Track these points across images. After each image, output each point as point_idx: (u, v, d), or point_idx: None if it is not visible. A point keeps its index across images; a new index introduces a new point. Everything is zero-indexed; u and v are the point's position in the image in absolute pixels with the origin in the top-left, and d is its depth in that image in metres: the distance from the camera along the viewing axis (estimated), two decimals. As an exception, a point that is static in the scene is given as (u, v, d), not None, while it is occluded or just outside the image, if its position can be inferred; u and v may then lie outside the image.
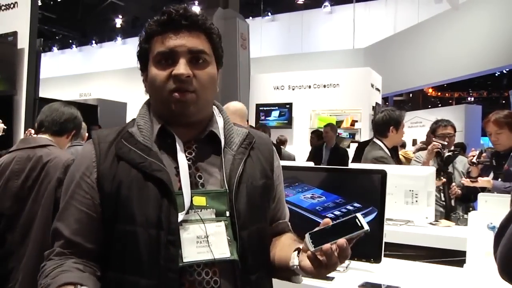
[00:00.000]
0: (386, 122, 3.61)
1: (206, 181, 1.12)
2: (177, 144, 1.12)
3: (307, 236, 1.00)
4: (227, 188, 1.10)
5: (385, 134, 3.61)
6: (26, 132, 3.54)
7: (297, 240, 1.20)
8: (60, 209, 1.13)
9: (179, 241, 1.04)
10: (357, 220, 0.95)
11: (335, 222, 0.99)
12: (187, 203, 1.06)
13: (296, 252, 1.06)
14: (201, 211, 1.08)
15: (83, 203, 1.10)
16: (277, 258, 1.17)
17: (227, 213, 1.09)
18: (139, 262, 1.03)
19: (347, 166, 4.31)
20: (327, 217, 1.08)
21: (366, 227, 0.94)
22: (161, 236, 1.03)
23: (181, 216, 1.05)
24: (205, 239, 1.06)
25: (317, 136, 7.92)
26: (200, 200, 1.09)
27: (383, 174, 1.92)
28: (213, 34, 1.16)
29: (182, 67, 1.08)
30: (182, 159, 1.11)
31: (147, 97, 1.23)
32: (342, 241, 0.95)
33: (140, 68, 1.20)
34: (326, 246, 0.95)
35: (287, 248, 1.14)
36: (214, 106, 1.24)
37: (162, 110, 1.14)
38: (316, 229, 1.00)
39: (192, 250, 1.05)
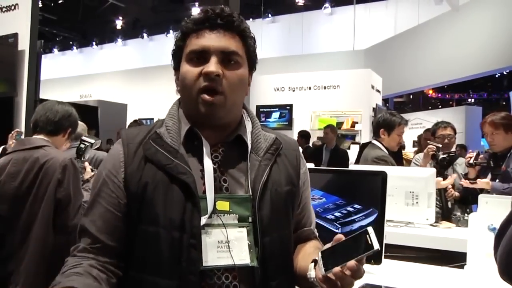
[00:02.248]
0: (378, 125, 3.64)
1: (231, 186, 1.12)
2: (204, 147, 1.13)
3: (319, 255, 0.99)
4: (251, 193, 1.11)
5: (379, 136, 3.64)
6: (13, 132, 3.46)
7: (321, 248, 1.20)
8: (88, 205, 1.15)
9: (201, 245, 1.04)
10: (368, 236, 0.93)
11: (347, 238, 0.97)
12: (210, 208, 1.07)
13: (313, 264, 1.05)
14: (223, 215, 1.09)
15: (109, 202, 1.11)
16: (298, 267, 1.17)
17: (250, 219, 1.10)
18: (161, 263, 1.04)
19: (348, 167, 4.30)
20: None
21: (377, 246, 0.92)
22: (184, 238, 1.04)
23: (203, 220, 1.05)
24: (226, 244, 1.07)
25: (301, 137, 7.91)
26: (223, 205, 1.09)
27: (383, 176, 1.92)
28: (248, 37, 1.17)
29: (213, 65, 1.08)
30: (208, 163, 1.11)
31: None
32: (352, 263, 0.93)
33: (173, 66, 1.20)
34: (336, 270, 0.94)
35: (307, 257, 1.13)
36: (243, 110, 1.24)
37: (190, 110, 1.15)
38: (328, 246, 0.99)
39: (213, 255, 1.06)
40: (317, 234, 1.33)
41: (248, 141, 1.17)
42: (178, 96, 1.22)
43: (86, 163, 2.92)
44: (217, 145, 1.16)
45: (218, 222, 1.08)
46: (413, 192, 2.90)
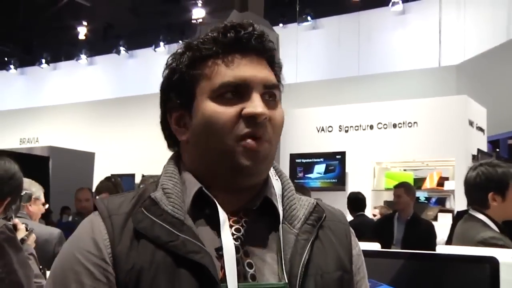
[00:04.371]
0: (481, 186, 3.49)
1: (259, 272, 1.17)
2: (220, 216, 1.18)
3: None
4: (286, 280, 1.15)
5: (484, 204, 3.51)
6: None
7: None
8: None
9: None
10: None
11: None
12: None
13: None
14: None
15: None
16: None
17: None
18: None
19: (434, 249, 4.24)
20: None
21: None
22: None
23: None
24: None
25: (352, 204, 7.80)
26: None
27: (492, 264, 1.88)
28: (276, 64, 1.29)
29: (260, 105, 1.17)
30: (227, 238, 1.16)
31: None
32: None
33: (169, 106, 1.26)
34: None
35: None
36: None
37: (214, 166, 1.21)
38: None
39: None
40: None
41: (278, 207, 1.23)
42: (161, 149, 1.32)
43: (16, 219, 2.92)
44: (238, 214, 1.22)
45: None
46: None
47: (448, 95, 11.27)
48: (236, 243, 1.17)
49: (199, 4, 15.29)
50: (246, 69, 1.19)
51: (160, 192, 1.19)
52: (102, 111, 18.23)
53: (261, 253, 1.19)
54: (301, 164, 10.01)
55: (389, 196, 8.17)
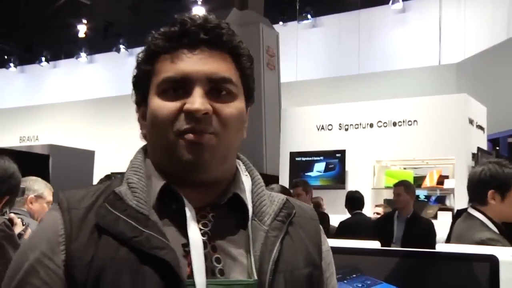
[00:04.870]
0: (483, 182, 3.48)
1: (227, 267, 1.16)
2: (186, 211, 1.17)
3: None
4: (256, 277, 1.14)
5: (483, 201, 3.50)
6: None
7: None
8: None
9: None
10: None
11: None
12: None
13: None
14: None
15: None
16: None
17: None
18: None
19: (434, 247, 4.24)
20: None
21: None
22: None
23: None
24: None
25: (349, 202, 7.80)
26: None
27: (492, 262, 1.88)
28: (243, 57, 1.26)
29: (198, 100, 1.15)
30: (195, 232, 1.15)
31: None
32: None
33: (135, 100, 1.28)
34: None
35: None
36: (238, 161, 1.32)
37: (165, 161, 1.21)
38: None
39: None
40: None
41: (248, 203, 1.23)
42: (142, 143, 1.30)
43: (12, 214, 2.93)
44: (205, 209, 1.21)
45: None
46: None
47: (448, 93, 11.24)
48: (203, 238, 1.16)
49: (199, 2, 15.29)
50: (189, 63, 1.18)
51: (125, 187, 1.18)
52: (102, 109, 18.22)
53: (229, 248, 1.18)
54: (301, 162, 9.99)
55: (389, 195, 8.16)
